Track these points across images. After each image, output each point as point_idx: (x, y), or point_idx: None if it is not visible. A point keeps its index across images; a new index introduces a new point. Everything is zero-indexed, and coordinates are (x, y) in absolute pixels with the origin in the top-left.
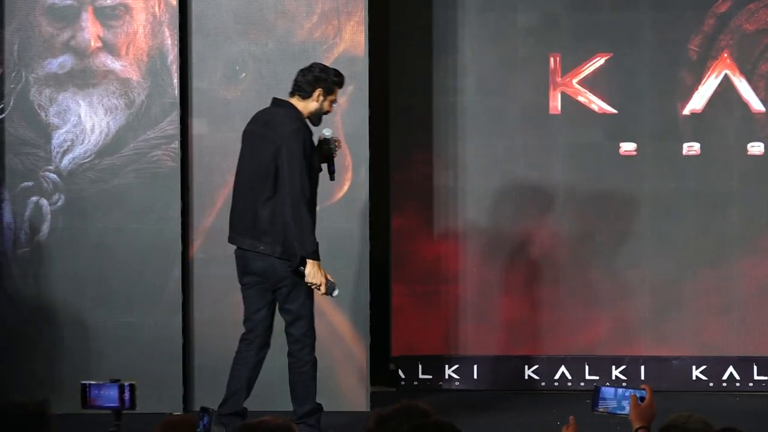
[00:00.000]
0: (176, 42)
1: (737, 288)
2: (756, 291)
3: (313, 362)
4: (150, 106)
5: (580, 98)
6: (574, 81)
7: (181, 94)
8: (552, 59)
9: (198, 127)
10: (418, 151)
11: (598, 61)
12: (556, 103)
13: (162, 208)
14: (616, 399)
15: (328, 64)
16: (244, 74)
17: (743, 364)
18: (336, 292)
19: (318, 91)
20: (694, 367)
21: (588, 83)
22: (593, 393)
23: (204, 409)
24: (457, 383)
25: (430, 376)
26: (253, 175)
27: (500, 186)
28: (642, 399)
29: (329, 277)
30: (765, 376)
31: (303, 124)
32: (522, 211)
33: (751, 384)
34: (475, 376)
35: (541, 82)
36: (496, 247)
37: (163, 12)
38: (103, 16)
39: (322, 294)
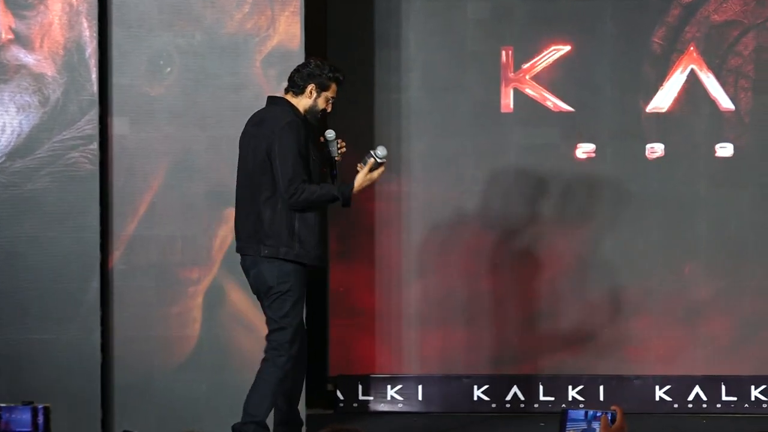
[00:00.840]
0: (95, 34)
1: (703, 301)
2: (723, 304)
3: (284, 376)
4: (66, 104)
5: (535, 95)
6: (528, 76)
7: (100, 90)
8: (504, 53)
9: (119, 126)
10: (359, 153)
11: (554, 55)
12: (508, 101)
13: (79, 215)
14: (586, 421)
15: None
16: (169, 69)
17: (711, 383)
18: (380, 153)
19: (310, 87)
20: (657, 387)
21: (543, 79)
22: (561, 416)
23: None
24: (400, 405)
25: (371, 398)
26: (251, 176)
27: (448, 190)
28: (613, 420)
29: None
30: (734, 396)
31: (298, 118)
32: (472, 217)
33: (719, 405)
34: (420, 398)
35: (492, 77)
36: (443, 257)
37: (81, 1)
38: (15, 5)
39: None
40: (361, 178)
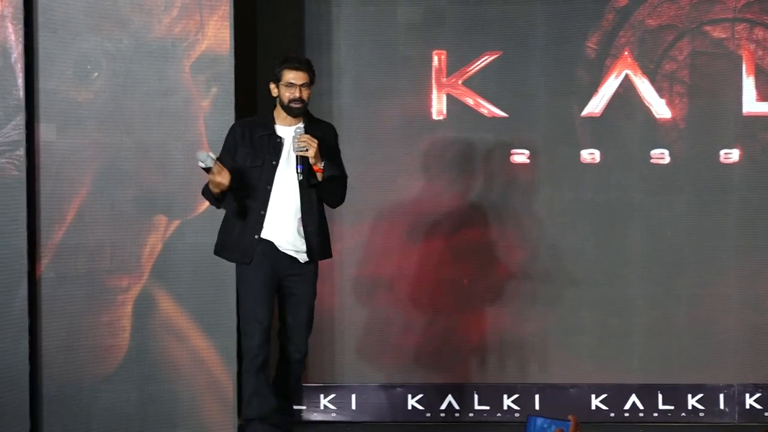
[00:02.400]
0: (21, 38)
1: (639, 308)
2: (659, 312)
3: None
4: None
5: (468, 100)
6: (461, 81)
7: (26, 95)
8: (436, 57)
9: (45, 132)
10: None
11: (487, 60)
12: (441, 106)
13: (6, 222)
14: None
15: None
16: (96, 74)
17: (647, 391)
18: (203, 159)
19: (272, 87)
20: (593, 396)
21: (476, 84)
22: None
23: None
24: (333, 414)
25: (304, 407)
26: None
27: (378, 197)
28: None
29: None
30: (671, 405)
31: (249, 119)
32: (403, 226)
33: (655, 414)
34: (354, 407)
35: (424, 82)
36: (374, 267)
37: (6, 5)
38: None
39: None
40: (210, 184)
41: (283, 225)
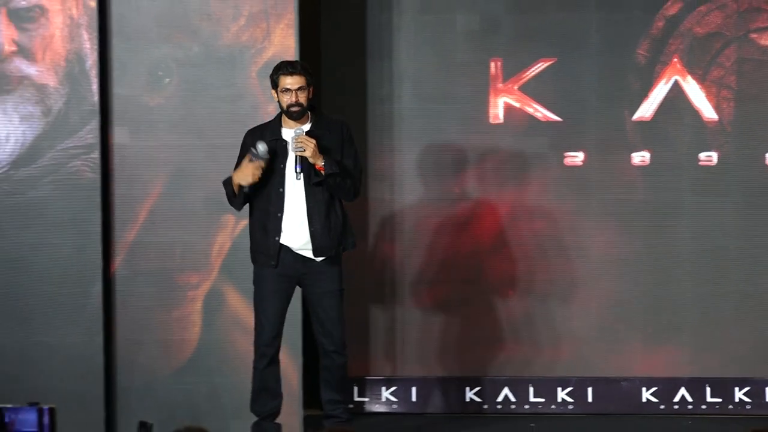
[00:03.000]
0: (95, 46)
1: (688, 305)
2: (707, 308)
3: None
4: (68, 114)
5: (523, 106)
6: (516, 87)
7: (101, 101)
8: (493, 64)
9: (119, 135)
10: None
11: (542, 66)
12: (497, 111)
13: (82, 222)
14: None
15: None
16: (167, 80)
17: (695, 385)
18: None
19: (273, 93)
20: (644, 389)
21: (531, 90)
22: None
23: (143, 424)
24: (395, 406)
25: (367, 399)
26: None
27: (439, 199)
28: None
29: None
30: (718, 398)
31: (260, 126)
32: (462, 225)
33: (704, 406)
34: (414, 399)
35: (481, 88)
36: (435, 264)
37: (81, 14)
38: (18, 18)
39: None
40: (239, 173)
41: (295, 225)
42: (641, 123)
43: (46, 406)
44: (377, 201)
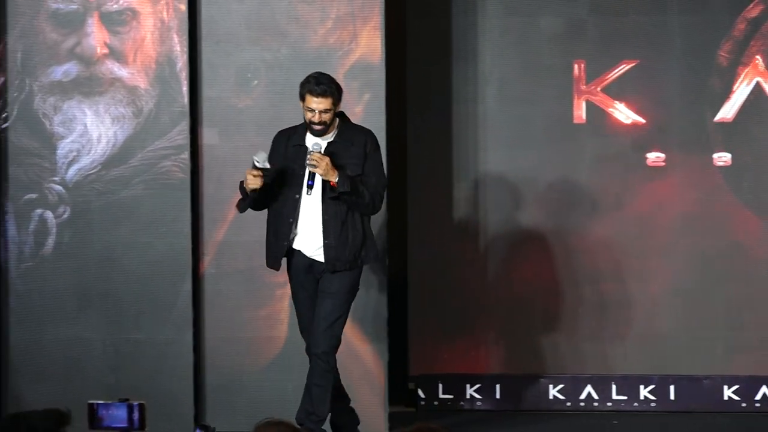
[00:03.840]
0: (185, 48)
1: None
2: None
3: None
4: (159, 115)
5: (606, 107)
6: (599, 89)
7: (190, 102)
8: (576, 66)
9: (208, 136)
10: (437, 162)
11: (624, 68)
12: (580, 112)
13: (171, 221)
14: None
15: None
16: (256, 82)
17: None
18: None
19: (300, 103)
20: (726, 387)
21: (614, 91)
22: None
23: (203, 427)
24: (479, 403)
25: (451, 396)
26: None
27: (523, 198)
28: None
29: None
30: None
31: (291, 127)
32: (546, 224)
33: None
34: (498, 396)
35: (565, 90)
36: (518, 262)
37: (172, 17)
38: (110, 21)
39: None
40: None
41: (309, 234)
42: (723, 124)
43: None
44: (462, 201)
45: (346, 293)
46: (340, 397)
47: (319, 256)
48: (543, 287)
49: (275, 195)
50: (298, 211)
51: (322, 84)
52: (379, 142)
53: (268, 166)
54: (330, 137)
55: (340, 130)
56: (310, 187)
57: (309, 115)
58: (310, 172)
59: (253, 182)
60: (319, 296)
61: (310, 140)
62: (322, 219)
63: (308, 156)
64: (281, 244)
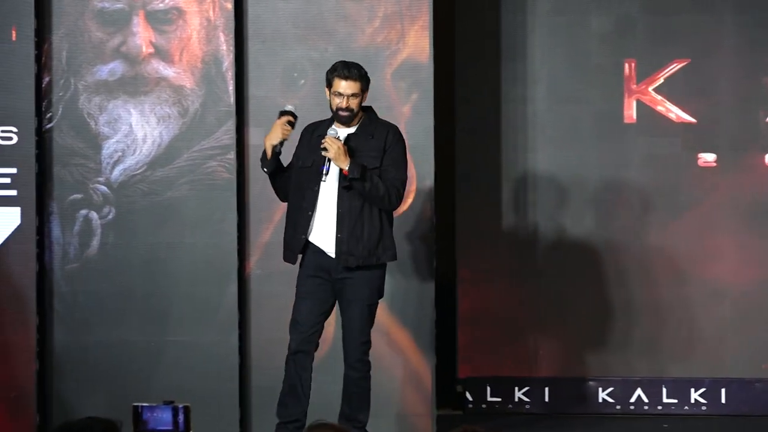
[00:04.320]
0: (232, 48)
1: None
2: None
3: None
4: (204, 115)
5: (657, 106)
6: (651, 88)
7: (236, 102)
8: (627, 65)
9: (255, 136)
10: (486, 162)
11: (676, 67)
12: (631, 112)
13: (217, 222)
14: None
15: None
16: (303, 81)
17: None
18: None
19: (326, 89)
20: None
21: (665, 90)
22: None
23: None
24: (527, 406)
25: (499, 399)
26: None
27: (572, 199)
28: None
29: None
30: None
31: (319, 121)
32: (596, 225)
33: None
34: (547, 399)
35: (615, 89)
36: (568, 264)
37: (218, 16)
38: (155, 20)
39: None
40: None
41: (325, 227)
42: None
43: (181, 405)
44: (511, 201)
45: (371, 297)
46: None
47: (333, 251)
48: (592, 289)
49: (298, 187)
50: (316, 204)
51: (351, 68)
52: (426, 143)
53: (292, 110)
54: (352, 129)
55: (363, 123)
56: (324, 173)
57: (337, 100)
58: (326, 157)
59: (284, 132)
60: (343, 303)
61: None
62: (336, 211)
63: (322, 140)
64: (299, 237)
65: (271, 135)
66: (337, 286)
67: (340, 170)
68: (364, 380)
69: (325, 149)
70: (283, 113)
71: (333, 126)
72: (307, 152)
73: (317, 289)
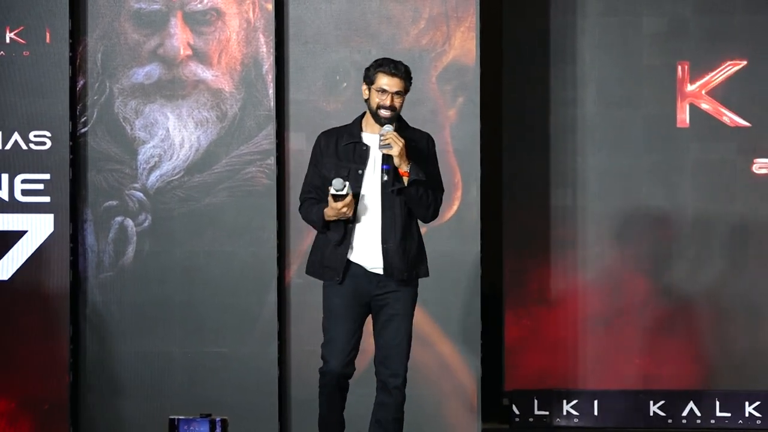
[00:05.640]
0: (272, 50)
1: None
2: None
3: (320, 393)
4: (244, 119)
5: (711, 110)
6: (704, 91)
7: (277, 106)
8: (680, 67)
9: (295, 141)
10: (534, 167)
11: (730, 70)
12: (684, 115)
13: (256, 230)
14: None
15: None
16: (345, 84)
17: None
18: (335, 184)
19: (363, 88)
20: None
21: (719, 93)
22: None
23: None
24: (576, 420)
25: (547, 412)
26: None
27: (623, 205)
28: None
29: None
30: None
31: (338, 127)
32: (646, 232)
33: None
34: (596, 413)
35: (667, 92)
36: (618, 272)
37: (258, 17)
38: (194, 21)
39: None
40: (328, 211)
41: (369, 240)
42: None
43: (218, 418)
44: (560, 208)
45: (411, 313)
46: None
47: (378, 269)
48: (643, 299)
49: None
50: (357, 216)
51: (398, 64)
52: (473, 148)
53: (349, 191)
54: (388, 126)
55: (400, 127)
56: (387, 172)
57: (379, 98)
58: (384, 156)
59: (348, 212)
60: (383, 321)
61: (368, 137)
62: (381, 219)
63: (381, 137)
64: (342, 253)
65: (334, 215)
66: (374, 303)
67: (386, 173)
68: (403, 404)
69: (388, 145)
70: (340, 197)
71: (386, 125)
72: (336, 162)
73: (353, 305)
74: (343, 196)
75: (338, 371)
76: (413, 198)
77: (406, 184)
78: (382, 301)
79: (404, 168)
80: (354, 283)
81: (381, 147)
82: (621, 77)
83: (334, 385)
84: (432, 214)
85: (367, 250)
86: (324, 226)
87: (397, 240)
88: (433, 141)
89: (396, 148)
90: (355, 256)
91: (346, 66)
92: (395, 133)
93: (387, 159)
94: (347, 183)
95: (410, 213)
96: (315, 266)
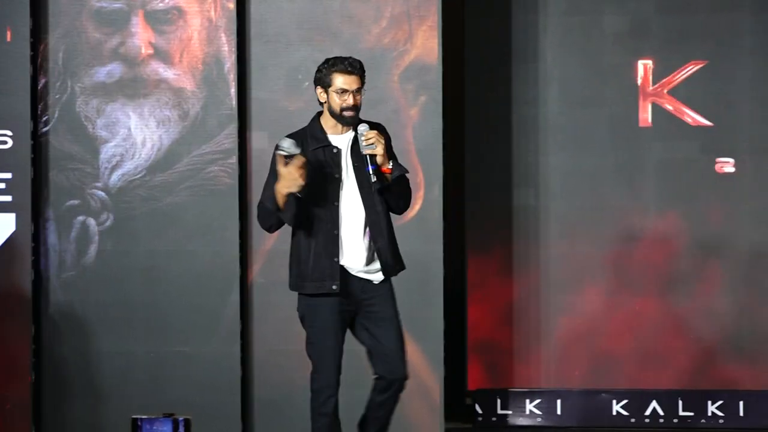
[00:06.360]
0: (234, 49)
1: None
2: None
3: (312, 416)
4: (205, 118)
5: (673, 109)
6: (666, 90)
7: (239, 104)
8: (642, 67)
9: (257, 140)
10: (496, 167)
11: (692, 69)
12: (646, 115)
13: (219, 229)
14: None
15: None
16: (307, 83)
17: None
18: (283, 144)
19: (318, 91)
20: None
21: (681, 93)
22: None
23: None
24: (539, 419)
25: (510, 412)
26: None
27: (585, 205)
28: None
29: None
30: None
31: (295, 133)
32: (609, 232)
33: None
34: (559, 412)
35: (629, 91)
36: (580, 272)
37: (220, 16)
38: (155, 20)
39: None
40: (281, 183)
41: (354, 244)
42: None
43: (181, 417)
44: (522, 208)
45: (398, 314)
46: None
47: (366, 273)
48: (605, 298)
49: (308, 210)
50: (340, 221)
51: (353, 61)
52: (435, 146)
53: (298, 150)
54: (361, 128)
55: (355, 124)
56: (374, 172)
57: (340, 99)
58: (367, 156)
59: (303, 176)
60: (374, 322)
61: (336, 139)
62: (366, 220)
63: (361, 137)
64: (333, 261)
65: (287, 183)
66: (362, 309)
67: (374, 173)
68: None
69: (372, 145)
70: (289, 156)
71: (361, 125)
72: (308, 168)
73: (342, 314)
74: (293, 156)
75: (335, 387)
76: (395, 193)
77: (389, 180)
78: (371, 305)
79: (387, 165)
80: (343, 293)
81: (365, 147)
82: (583, 76)
83: (334, 402)
84: (407, 204)
85: (354, 254)
86: (277, 209)
87: (386, 237)
88: (388, 133)
89: (380, 147)
90: (345, 261)
91: (308, 65)
92: (376, 132)
93: (371, 159)
94: (294, 140)
95: (388, 209)
96: (299, 279)
